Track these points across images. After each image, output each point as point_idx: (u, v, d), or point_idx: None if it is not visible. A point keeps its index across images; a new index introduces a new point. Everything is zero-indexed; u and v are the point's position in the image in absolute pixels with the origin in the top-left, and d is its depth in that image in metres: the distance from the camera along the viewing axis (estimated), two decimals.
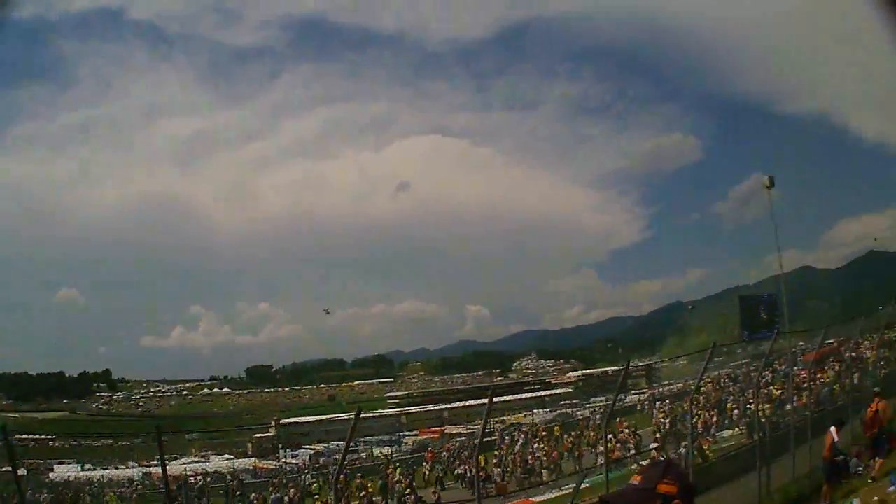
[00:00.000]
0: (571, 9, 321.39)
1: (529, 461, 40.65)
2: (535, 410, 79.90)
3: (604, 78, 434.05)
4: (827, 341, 51.45)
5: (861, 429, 19.11)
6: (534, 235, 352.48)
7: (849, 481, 17.74)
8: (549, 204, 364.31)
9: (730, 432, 37.15)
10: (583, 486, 18.99)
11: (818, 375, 39.41)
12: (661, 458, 9.07)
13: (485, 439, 50.72)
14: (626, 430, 40.38)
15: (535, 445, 45.85)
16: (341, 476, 26.74)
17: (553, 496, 29.21)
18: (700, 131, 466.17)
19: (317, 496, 38.53)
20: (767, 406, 33.65)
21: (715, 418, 40.72)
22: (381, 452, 61.98)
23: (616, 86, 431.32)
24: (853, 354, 39.31)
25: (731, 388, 52.55)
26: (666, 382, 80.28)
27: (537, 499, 30.12)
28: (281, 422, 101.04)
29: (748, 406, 39.71)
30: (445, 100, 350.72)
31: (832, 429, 16.53)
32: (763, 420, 28.72)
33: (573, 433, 48.88)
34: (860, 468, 18.41)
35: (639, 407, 60.72)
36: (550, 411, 76.06)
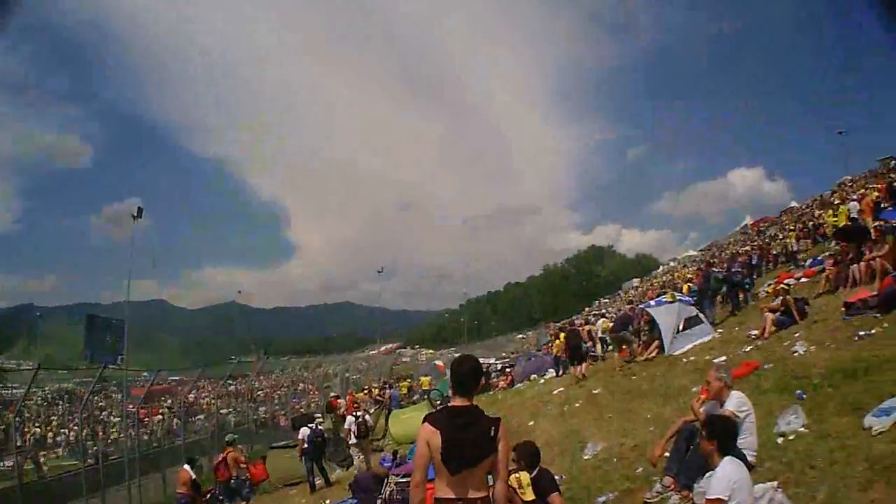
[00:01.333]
0: None
1: None
2: None
3: (37, 59, 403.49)
4: (174, 378, 51.36)
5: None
6: None
7: None
8: None
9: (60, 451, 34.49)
10: None
11: (157, 412, 39.17)
12: None
13: None
14: None
15: None
16: None
17: None
18: (96, 141, 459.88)
19: None
20: (86, 432, 31.51)
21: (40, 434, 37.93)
22: None
23: (42, 71, 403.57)
24: (190, 398, 39.33)
25: (61, 407, 50.37)
26: (13, 385, 73.19)
27: None
28: None
29: (67, 428, 39.02)
30: None
31: (186, 465, 15.95)
32: (95, 447, 27.20)
33: None
34: None
35: None
36: None
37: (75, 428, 35.69)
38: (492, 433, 4.38)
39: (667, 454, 7.71)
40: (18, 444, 23.69)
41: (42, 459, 28.83)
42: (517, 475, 6.32)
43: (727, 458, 5.62)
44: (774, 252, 34.63)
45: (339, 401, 31.25)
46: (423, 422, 4.46)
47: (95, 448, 26.74)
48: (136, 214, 31.98)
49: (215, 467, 16.20)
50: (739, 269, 24.23)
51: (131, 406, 35.71)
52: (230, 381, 42.03)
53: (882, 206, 24.25)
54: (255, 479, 17.11)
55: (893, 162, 51.87)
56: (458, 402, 4.45)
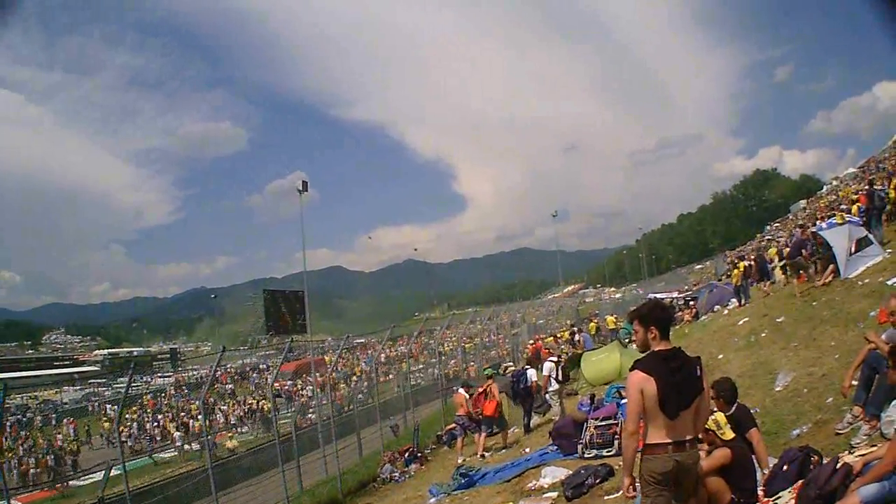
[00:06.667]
0: None
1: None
2: (65, 388, 73.58)
3: (166, 53, 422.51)
4: (358, 341, 53.90)
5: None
6: (68, 205, 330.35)
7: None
8: (88, 174, 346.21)
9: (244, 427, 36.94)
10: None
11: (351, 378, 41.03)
12: None
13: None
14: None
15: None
16: None
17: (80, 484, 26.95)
18: (248, 123, 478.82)
19: None
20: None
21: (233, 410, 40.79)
22: None
23: (175, 63, 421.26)
24: (381, 357, 39.62)
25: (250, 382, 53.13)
26: (191, 368, 78.53)
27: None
28: None
29: (252, 401, 40.96)
30: (11, 50, 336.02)
31: (461, 390, 16.78)
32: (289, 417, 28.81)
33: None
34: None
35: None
36: (80, 389, 70.32)
37: (263, 402, 37.41)
38: (697, 373, 4.58)
39: (854, 382, 7.52)
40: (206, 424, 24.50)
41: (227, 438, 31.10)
42: (714, 416, 6.10)
43: None
44: None
45: (530, 346, 31.37)
46: (633, 369, 4.58)
47: (289, 417, 27.89)
48: (301, 188, 33.28)
49: (476, 400, 16.04)
50: None
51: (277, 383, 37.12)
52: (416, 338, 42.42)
53: None
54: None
55: None
56: (663, 345, 4.58)
